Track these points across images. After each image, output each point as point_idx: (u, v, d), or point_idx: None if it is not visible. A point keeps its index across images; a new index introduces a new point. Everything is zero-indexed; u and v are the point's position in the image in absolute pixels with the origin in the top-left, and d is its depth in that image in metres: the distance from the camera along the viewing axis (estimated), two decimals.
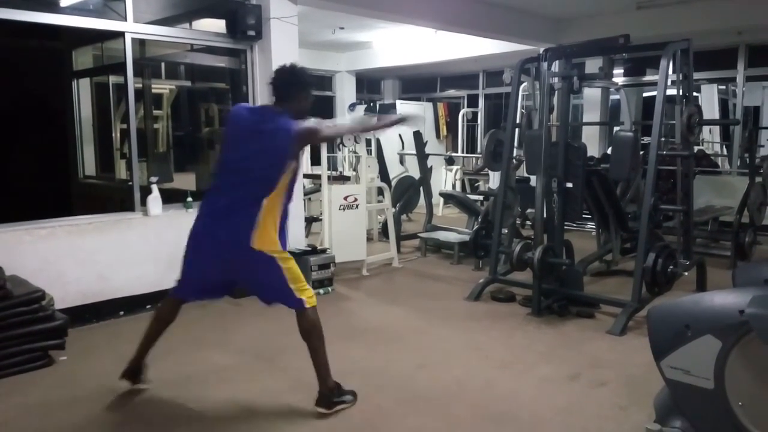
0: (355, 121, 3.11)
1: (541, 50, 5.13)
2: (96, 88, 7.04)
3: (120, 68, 5.08)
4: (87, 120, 6.87)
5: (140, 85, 6.14)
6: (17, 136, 6.01)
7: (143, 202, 5.05)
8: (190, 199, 5.30)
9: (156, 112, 7.30)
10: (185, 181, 6.69)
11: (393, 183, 8.26)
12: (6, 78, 5.89)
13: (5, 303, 3.59)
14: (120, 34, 4.92)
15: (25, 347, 3.66)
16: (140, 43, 5.44)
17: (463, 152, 11.56)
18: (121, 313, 4.78)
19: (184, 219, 5.19)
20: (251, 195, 3.04)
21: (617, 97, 9.39)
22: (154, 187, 5.03)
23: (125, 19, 4.91)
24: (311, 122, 3.14)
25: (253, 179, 3.05)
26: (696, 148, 6.89)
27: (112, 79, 6.72)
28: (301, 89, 3.20)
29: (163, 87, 7.49)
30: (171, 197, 5.27)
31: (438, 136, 12.14)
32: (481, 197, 8.09)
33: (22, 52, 5.89)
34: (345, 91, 12.05)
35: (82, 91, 6.90)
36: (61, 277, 4.40)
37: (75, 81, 6.87)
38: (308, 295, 3.19)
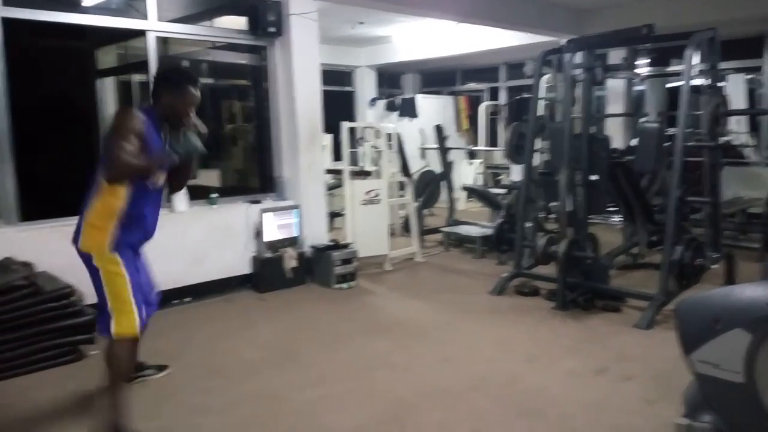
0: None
1: (564, 41, 5.09)
2: (120, 86, 7.12)
3: (143, 67, 5.15)
4: (110, 119, 6.96)
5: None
6: (43, 135, 6.09)
7: (168, 199, 5.10)
8: (214, 195, 5.36)
9: None
10: (209, 177, 6.75)
11: (415, 177, 8.24)
12: (32, 77, 5.98)
13: (36, 299, 3.67)
14: (142, 33, 4.99)
15: (56, 342, 3.74)
16: (163, 42, 5.49)
17: (484, 146, 11.50)
18: None
19: (209, 215, 5.30)
20: (90, 192, 2.91)
21: (641, 87, 9.26)
22: None
23: (147, 18, 4.96)
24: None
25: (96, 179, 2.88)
26: (723, 139, 6.76)
27: (136, 77, 6.78)
28: (169, 88, 2.91)
29: None
30: (196, 194, 5.33)
31: (459, 129, 12.09)
32: (503, 191, 8.04)
33: (47, 51, 5.97)
34: (365, 87, 12.05)
35: (107, 90, 6.98)
36: None
37: (99, 80, 6.96)
38: (123, 324, 2.78)
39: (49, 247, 4.32)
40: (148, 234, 3.06)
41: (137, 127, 2.73)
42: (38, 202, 4.66)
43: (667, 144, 5.81)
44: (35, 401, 3.31)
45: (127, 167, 2.68)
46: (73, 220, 4.53)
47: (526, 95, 8.40)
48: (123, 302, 2.80)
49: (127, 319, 2.80)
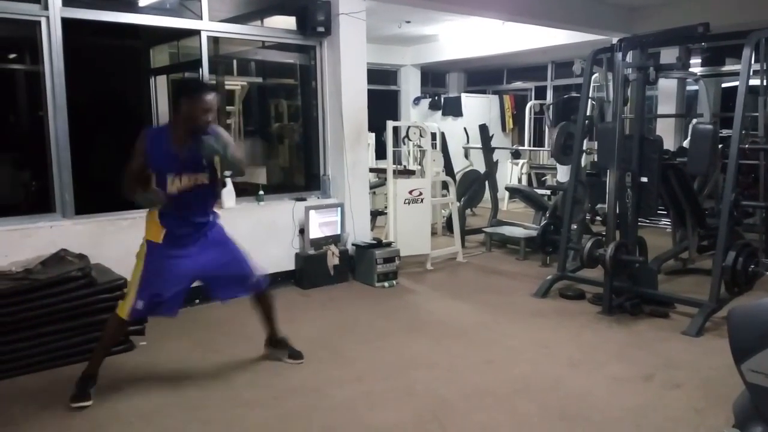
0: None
1: (615, 40, 4.99)
2: (172, 84, 7.30)
3: (195, 65, 5.27)
4: (164, 116, 7.14)
5: (214, 82, 6.34)
6: (99, 132, 6.30)
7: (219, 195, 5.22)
8: (261, 192, 5.46)
9: (228, 108, 7.51)
10: (256, 175, 6.86)
11: (458, 177, 8.22)
12: (89, 76, 6.20)
13: (90, 290, 3.80)
14: (196, 32, 5.10)
15: None
16: (214, 41, 5.61)
17: (529, 146, 11.36)
18: (197, 301, 4.96)
19: (257, 211, 5.40)
20: None
21: (694, 87, 9.00)
22: (228, 181, 5.20)
23: (201, 18, 5.08)
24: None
25: None
26: None
27: (188, 76, 6.94)
28: (187, 96, 3.22)
29: (235, 84, 7.70)
30: (243, 190, 5.43)
31: (504, 129, 11.97)
32: (548, 192, 7.94)
33: (104, 50, 6.17)
34: (410, 85, 12.04)
35: (160, 88, 7.18)
36: None
37: (153, 78, 7.16)
38: (121, 305, 3.32)
39: (102, 240, 4.48)
40: (193, 225, 3.37)
41: (140, 147, 3.27)
42: (93, 196, 4.82)
43: (720, 146, 5.65)
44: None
45: (126, 182, 3.27)
46: (126, 215, 4.72)
47: (574, 94, 8.25)
48: (130, 287, 3.33)
49: (125, 302, 3.30)
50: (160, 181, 3.25)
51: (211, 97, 3.22)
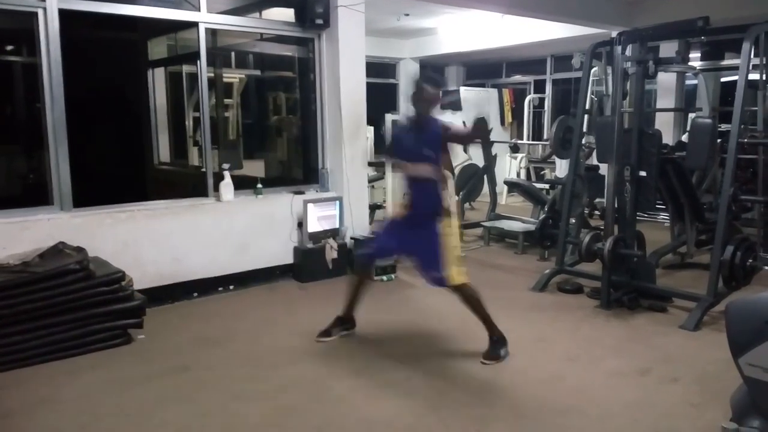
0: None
1: (614, 34, 4.97)
2: (170, 77, 7.28)
3: (193, 58, 5.25)
4: (161, 108, 7.13)
5: (212, 75, 6.33)
6: (97, 124, 6.29)
7: (216, 188, 5.22)
8: (260, 185, 5.45)
9: (226, 101, 7.50)
10: (254, 168, 6.86)
11: (456, 171, 8.19)
12: (86, 68, 6.17)
13: (88, 283, 3.79)
14: (194, 24, 5.08)
15: (106, 325, 3.87)
16: (212, 33, 5.59)
17: (528, 139, 11.35)
18: (195, 294, 4.97)
19: (254, 205, 5.39)
20: None
21: (693, 81, 8.98)
22: (227, 174, 5.19)
23: (199, 10, 5.06)
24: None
25: None
26: None
27: (185, 68, 6.93)
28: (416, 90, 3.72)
29: (233, 76, 7.68)
30: (241, 184, 5.42)
31: (503, 122, 11.95)
32: (546, 186, 7.93)
33: (101, 42, 6.15)
34: (409, 79, 12.01)
35: (157, 81, 7.15)
36: (139, 258, 4.61)
37: (150, 70, 7.13)
38: (457, 274, 3.70)
39: (101, 233, 4.47)
40: (413, 209, 3.80)
41: (389, 135, 4.21)
42: (90, 189, 4.81)
43: (719, 140, 5.65)
44: (85, 381, 3.43)
45: None
46: (124, 207, 4.71)
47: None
48: (456, 258, 3.69)
49: (458, 273, 3.66)
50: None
51: (433, 89, 3.70)
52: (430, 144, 3.61)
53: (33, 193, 5.23)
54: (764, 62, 4.82)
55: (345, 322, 4.12)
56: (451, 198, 3.73)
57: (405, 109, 3.87)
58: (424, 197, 3.70)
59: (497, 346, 3.75)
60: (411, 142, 3.69)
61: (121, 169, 6.47)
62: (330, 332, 4.07)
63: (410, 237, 3.76)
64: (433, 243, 3.64)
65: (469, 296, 3.72)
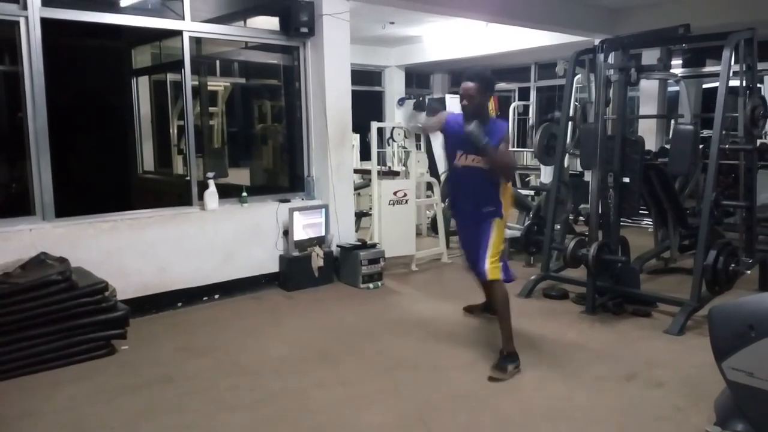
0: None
1: (597, 41, 5.02)
2: (154, 85, 7.24)
3: (177, 66, 5.23)
4: (146, 117, 7.08)
5: (196, 83, 6.29)
6: (80, 133, 6.23)
7: (200, 197, 5.19)
8: (245, 194, 5.42)
9: (211, 109, 7.46)
10: (240, 176, 6.83)
11: (442, 178, 8.21)
12: (69, 77, 6.12)
13: (70, 294, 3.75)
14: (178, 33, 5.06)
15: (90, 336, 3.82)
16: (196, 41, 5.57)
17: (513, 146, 11.40)
18: (179, 304, 4.92)
19: (240, 213, 5.36)
20: None
21: (675, 88, 9.09)
22: (211, 182, 5.16)
23: (183, 18, 5.04)
24: None
25: None
26: (759, 142, 6.61)
27: (170, 76, 6.90)
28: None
29: (218, 84, 7.65)
30: (226, 192, 5.39)
31: None
32: (531, 192, 7.97)
33: (84, 51, 6.10)
34: (394, 86, 12.06)
35: (141, 89, 7.11)
36: (123, 268, 4.56)
37: (134, 79, 7.09)
38: (494, 269, 3.79)
39: (83, 243, 4.43)
40: (455, 206, 4.06)
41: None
42: (72, 199, 4.76)
43: (701, 146, 5.71)
44: (68, 394, 3.39)
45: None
46: (107, 217, 4.67)
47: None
48: (498, 254, 3.79)
49: (495, 268, 3.76)
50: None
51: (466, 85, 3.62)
52: (493, 139, 3.55)
53: (15, 203, 5.17)
54: (744, 69, 4.88)
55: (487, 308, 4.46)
56: (507, 195, 3.84)
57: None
58: (474, 188, 3.79)
59: (507, 360, 3.64)
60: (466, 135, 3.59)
61: (104, 178, 6.40)
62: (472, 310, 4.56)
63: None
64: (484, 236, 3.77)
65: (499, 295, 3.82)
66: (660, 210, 5.47)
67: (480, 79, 3.63)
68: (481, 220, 3.76)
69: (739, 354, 2.23)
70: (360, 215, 7.17)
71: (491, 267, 3.69)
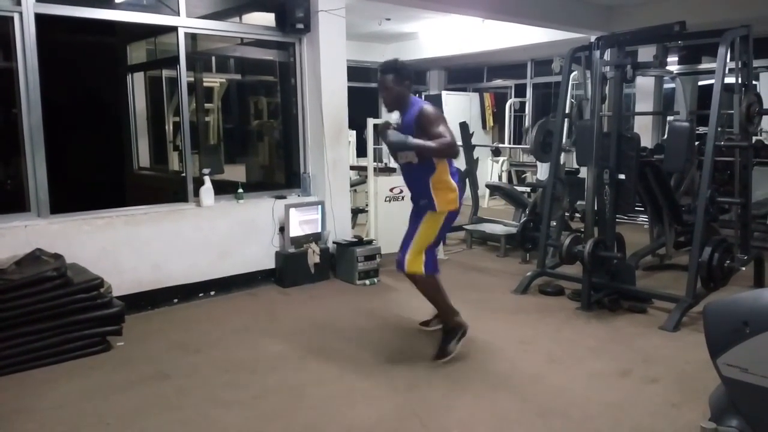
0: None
1: (593, 38, 5.02)
2: (149, 81, 7.22)
3: (173, 62, 5.21)
4: (141, 113, 7.07)
5: (192, 79, 6.29)
6: (75, 129, 6.21)
7: (196, 193, 5.18)
8: (241, 190, 5.41)
9: (207, 106, 7.45)
10: (235, 172, 6.82)
11: None
12: (65, 73, 6.11)
13: (66, 290, 3.74)
14: (173, 29, 5.04)
15: (85, 333, 3.81)
16: (192, 38, 5.55)
17: (509, 143, 11.41)
18: (175, 300, 4.92)
19: (235, 210, 5.35)
20: None
21: (670, 85, 9.11)
22: (207, 179, 5.15)
23: (178, 14, 5.02)
24: None
25: None
26: (755, 139, 6.63)
27: (165, 73, 6.88)
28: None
29: (213, 80, 7.64)
30: (222, 188, 5.39)
31: (484, 126, 12.01)
32: (527, 189, 7.98)
33: (80, 47, 6.08)
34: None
35: (137, 85, 7.09)
36: (118, 265, 4.56)
37: (129, 75, 7.07)
38: (415, 262, 3.73)
39: (79, 239, 4.42)
40: (412, 198, 3.92)
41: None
42: (68, 195, 4.74)
43: (697, 143, 5.72)
44: (63, 390, 3.38)
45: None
46: (102, 213, 4.66)
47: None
48: (420, 246, 3.76)
49: (417, 261, 3.76)
50: None
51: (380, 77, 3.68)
52: (406, 129, 3.57)
53: (10, 200, 5.15)
54: (740, 66, 4.89)
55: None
56: (442, 188, 3.69)
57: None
58: (412, 183, 3.82)
59: (448, 338, 3.82)
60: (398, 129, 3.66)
61: (99, 174, 6.39)
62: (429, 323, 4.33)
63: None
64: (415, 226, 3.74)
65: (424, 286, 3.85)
66: (655, 207, 5.48)
67: (393, 70, 3.68)
68: (420, 212, 3.78)
69: (733, 350, 2.23)
70: (356, 212, 7.17)
71: (411, 259, 3.70)
